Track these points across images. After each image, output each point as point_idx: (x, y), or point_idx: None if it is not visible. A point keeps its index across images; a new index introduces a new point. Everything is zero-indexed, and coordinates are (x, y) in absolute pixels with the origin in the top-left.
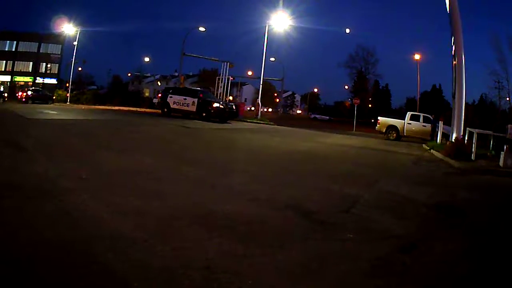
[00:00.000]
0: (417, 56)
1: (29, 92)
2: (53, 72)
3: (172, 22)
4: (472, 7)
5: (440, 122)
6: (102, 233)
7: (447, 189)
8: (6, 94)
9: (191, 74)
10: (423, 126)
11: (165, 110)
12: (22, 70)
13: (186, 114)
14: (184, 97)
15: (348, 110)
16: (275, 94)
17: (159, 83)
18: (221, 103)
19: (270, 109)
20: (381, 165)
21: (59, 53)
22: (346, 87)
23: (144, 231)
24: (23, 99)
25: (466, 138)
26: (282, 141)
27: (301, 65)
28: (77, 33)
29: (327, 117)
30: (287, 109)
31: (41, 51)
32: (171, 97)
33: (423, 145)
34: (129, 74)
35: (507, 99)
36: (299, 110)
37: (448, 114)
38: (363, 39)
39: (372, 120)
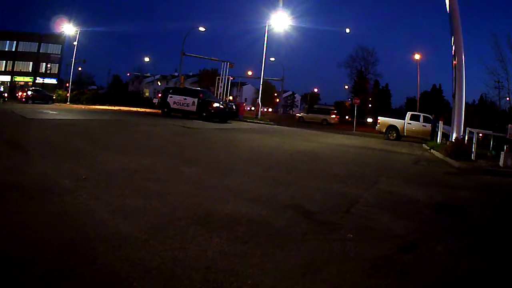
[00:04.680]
0: (417, 56)
1: (29, 92)
2: (53, 72)
3: (172, 22)
4: (472, 7)
5: (440, 122)
6: (102, 233)
7: (447, 189)
8: (6, 94)
9: (191, 74)
10: (423, 126)
11: (165, 110)
12: (22, 70)
13: (186, 114)
14: (184, 97)
15: (348, 110)
16: (275, 94)
17: (159, 83)
18: (221, 103)
19: (270, 109)
20: (381, 165)
21: (59, 53)
22: (346, 87)
23: (144, 231)
24: (23, 99)
25: (466, 138)
26: (282, 141)
27: (301, 65)
28: (77, 33)
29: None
30: (287, 109)
31: (41, 51)
32: (171, 97)
33: (423, 145)
34: (128, 74)
35: (507, 99)
36: (297, 110)
37: (448, 114)
38: (363, 39)
39: (347, 118)
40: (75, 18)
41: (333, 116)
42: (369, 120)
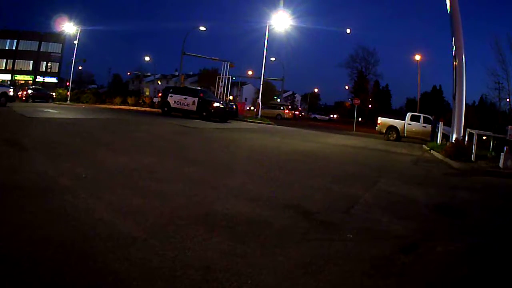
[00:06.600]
0: (417, 57)
1: (30, 91)
2: (54, 71)
3: (172, 22)
4: (473, 8)
5: (440, 122)
6: (102, 233)
7: (447, 190)
8: (12, 93)
9: (191, 73)
10: (423, 126)
11: (165, 109)
12: (22, 69)
13: (186, 113)
14: (185, 97)
15: (348, 110)
16: (275, 97)
17: (159, 82)
18: (221, 102)
19: None
20: (381, 165)
21: (60, 52)
22: (347, 87)
23: (144, 230)
24: (24, 98)
25: (466, 139)
26: (282, 141)
27: (301, 65)
28: (77, 32)
29: (327, 117)
30: None
31: (41, 50)
32: (171, 96)
33: (423, 145)
34: (129, 73)
35: (507, 100)
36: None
37: (449, 115)
38: (364, 40)
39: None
40: (75, 17)
41: (287, 111)
42: (360, 119)
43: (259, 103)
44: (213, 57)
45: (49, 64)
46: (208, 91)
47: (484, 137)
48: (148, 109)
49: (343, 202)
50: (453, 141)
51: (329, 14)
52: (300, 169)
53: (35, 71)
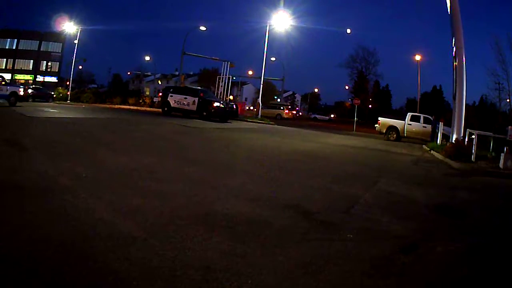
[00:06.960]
0: (417, 57)
1: (30, 90)
2: (54, 70)
3: (173, 21)
4: (473, 8)
5: (440, 123)
6: (101, 232)
7: (447, 190)
8: (22, 93)
9: (191, 73)
10: (424, 127)
11: (166, 109)
12: (22, 68)
13: (186, 113)
14: (185, 96)
15: (348, 110)
16: (275, 97)
17: (159, 82)
18: (221, 102)
19: None
20: (381, 165)
21: (60, 51)
22: (347, 87)
23: (144, 230)
24: (24, 97)
25: (466, 140)
26: (282, 141)
27: (301, 65)
28: (77, 31)
29: (327, 117)
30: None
31: (41, 49)
32: (171, 96)
33: (423, 146)
34: (129, 73)
35: (508, 100)
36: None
37: (449, 115)
38: (364, 40)
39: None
40: (76, 17)
41: (287, 111)
42: (357, 119)
43: (259, 103)
44: (213, 57)
45: (49, 64)
46: (208, 91)
47: (474, 137)
48: (148, 109)
49: (343, 202)
50: (453, 142)
51: (329, 14)
52: (300, 169)
53: (35, 71)
